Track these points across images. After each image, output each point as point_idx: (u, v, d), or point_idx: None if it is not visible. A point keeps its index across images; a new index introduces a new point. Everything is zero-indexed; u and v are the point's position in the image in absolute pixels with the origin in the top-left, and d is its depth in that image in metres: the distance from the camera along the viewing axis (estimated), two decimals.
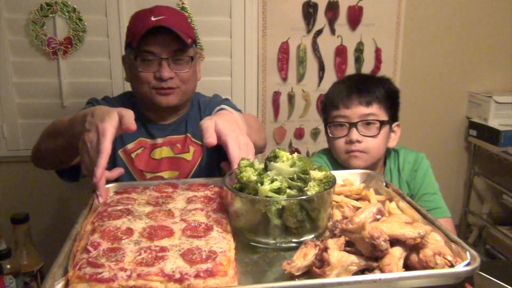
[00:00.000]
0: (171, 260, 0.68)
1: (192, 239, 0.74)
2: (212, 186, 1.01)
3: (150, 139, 1.47)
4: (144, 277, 0.64)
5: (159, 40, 1.36)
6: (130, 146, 1.45)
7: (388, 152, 1.51)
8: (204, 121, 1.02)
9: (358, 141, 1.38)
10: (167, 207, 0.87)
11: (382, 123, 1.39)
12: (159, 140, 1.48)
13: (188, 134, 1.51)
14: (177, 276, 0.64)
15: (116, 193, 0.96)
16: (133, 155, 1.44)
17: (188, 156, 1.48)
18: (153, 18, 1.36)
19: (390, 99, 1.44)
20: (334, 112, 1.43)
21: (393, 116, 1.46)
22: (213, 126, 1.00)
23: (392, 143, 1.47)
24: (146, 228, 0.78)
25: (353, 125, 1.38)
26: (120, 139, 1.44)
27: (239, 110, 1.45)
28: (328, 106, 1.47)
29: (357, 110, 1.38)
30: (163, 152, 1.47)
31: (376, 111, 1.39)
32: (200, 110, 1.57)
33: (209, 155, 1.48)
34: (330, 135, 1.45)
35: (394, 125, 1.46)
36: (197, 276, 0.64)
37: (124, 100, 1.55)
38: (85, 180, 1.37)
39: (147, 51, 1.37)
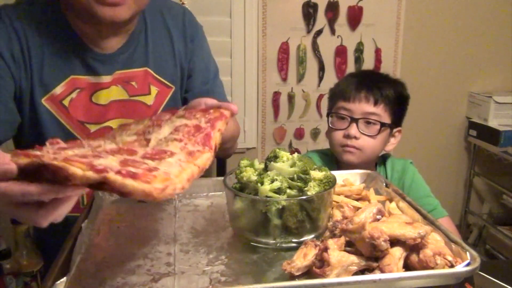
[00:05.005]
0: (108, 160, 0.59)
1: (147, 160, 0.63)
2: (212, 111, 0.85)
3: (88, 76, 1.07)
4: (69, 161, 0.55)
5: None
6: (59, 89, 1.05)
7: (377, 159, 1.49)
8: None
9: (356, 138, 1.37)
10: (148, 137, 0.75)
11: (383, 125, 1.37)
12: (105, 78, 1.08)
13: (149, 69, 1.13)
14: (99, 167, 0.55)
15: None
16: (65, 102, 1.06)
17: (149, 100, 1.13)
18: None
19: (398, 103, 1.42)
20: (340, 103, 1.42)
21: (397, 121, 1.44)
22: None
23: (389, 147, 1.46)
24: (114, 148, 0.69)
25: (354, 120, 1.37)
26: (40, 82, 1.04)
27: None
28: (335, 95, 1.46)
29: (362, 107, 1.37)
30: (112, 93, 1.09)
31: (381, 112, 1.37)
32: (166, 25, 1.17)
33: (174, 98, 1.18)
34: (330, 125, 1.45)
35: (395, 130, 1.44)
36: (118, 172, 0.55)
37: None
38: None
39: None
